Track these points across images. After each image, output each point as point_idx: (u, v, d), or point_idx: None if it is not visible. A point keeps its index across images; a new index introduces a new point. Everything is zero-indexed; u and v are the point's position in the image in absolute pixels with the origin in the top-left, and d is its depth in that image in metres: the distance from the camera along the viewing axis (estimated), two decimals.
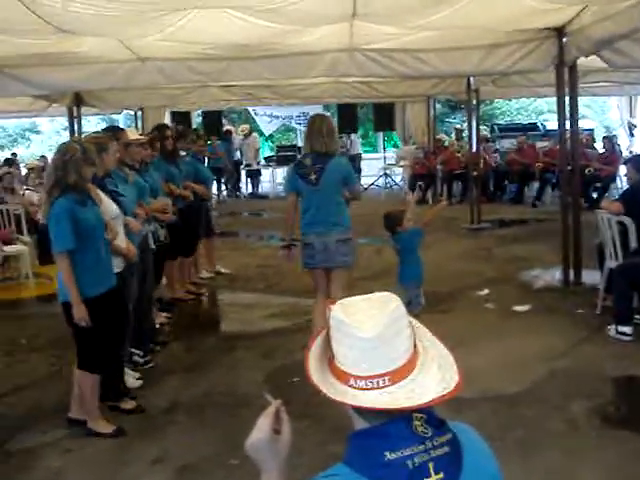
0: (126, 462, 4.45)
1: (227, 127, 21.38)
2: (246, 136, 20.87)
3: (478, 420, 4.55)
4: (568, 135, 8.32)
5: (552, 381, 5.43)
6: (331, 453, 3.67)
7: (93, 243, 4.59)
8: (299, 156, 5.90)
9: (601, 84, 13.04)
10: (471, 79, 12.35)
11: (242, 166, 21.05)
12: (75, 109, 11.52)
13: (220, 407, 5.16)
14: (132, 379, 5.58)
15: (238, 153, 21.34)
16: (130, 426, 4.92)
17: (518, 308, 7.35)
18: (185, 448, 4.58)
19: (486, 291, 8.09)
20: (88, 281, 4.52)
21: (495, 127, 23.14)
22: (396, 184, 19.70)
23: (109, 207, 5.04)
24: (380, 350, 1.46)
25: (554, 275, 8.59)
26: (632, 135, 17.85)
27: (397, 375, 1.47)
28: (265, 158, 21.73)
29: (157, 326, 6.86)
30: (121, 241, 5.14)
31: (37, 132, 34.59)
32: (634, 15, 6.01)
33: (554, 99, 8.73)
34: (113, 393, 5.16)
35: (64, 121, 15.61)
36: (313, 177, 5.74)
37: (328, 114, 6.67)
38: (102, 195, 5.01)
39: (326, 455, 3.62)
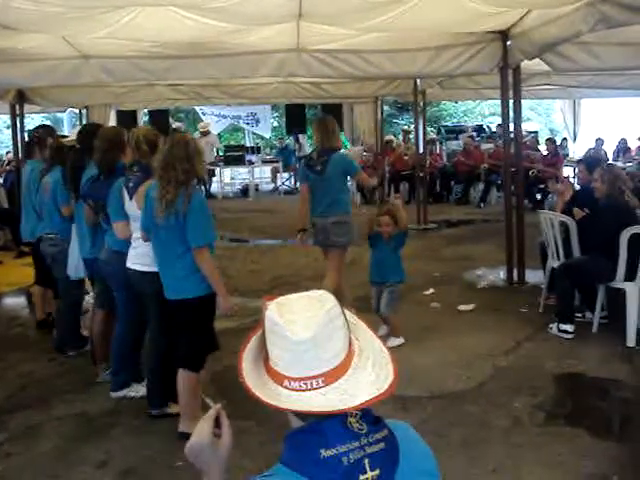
0: (69, 466, 4.36)
1: (175, 126, 20.96)
2: (204, 134, 20.22)
3: (424, 417, 4.59)
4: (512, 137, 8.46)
5: (496, 379, 5.51)
6: (275, 453, 3.67)
7: None
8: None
9: (545, 87, 13.28)
10: (418, 81, 12.44)
11: None
12: (18, 107, 11.30)
13: None
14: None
15: None
16: (73, 429, 4.85)
17: (463, 307, 7.43)
18: (129, 451, 4.51)
19: (431, 290, 8.16)
20: None
21: (442, 129, 23.42)
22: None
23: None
24: (313, 352, 1.46)
25: (498, 274, 8.73)
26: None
27: (331, 376, 1.48)
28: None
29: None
30: None
31: None
32: (576, 19, 6.12)
33: (499, 102, 8.85)
34: (159, 399, 4.98)
35: (7, 119, 15.29)
36: (319, 167, 6.59)
37: (330, 116, 7.24)
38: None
39: (270, 455, 3.61)
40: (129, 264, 4.85)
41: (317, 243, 6.84)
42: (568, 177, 15.13)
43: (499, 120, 15.06)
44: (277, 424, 4.15)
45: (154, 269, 4.60)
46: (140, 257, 4.76)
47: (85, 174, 5.53)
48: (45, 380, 5.79)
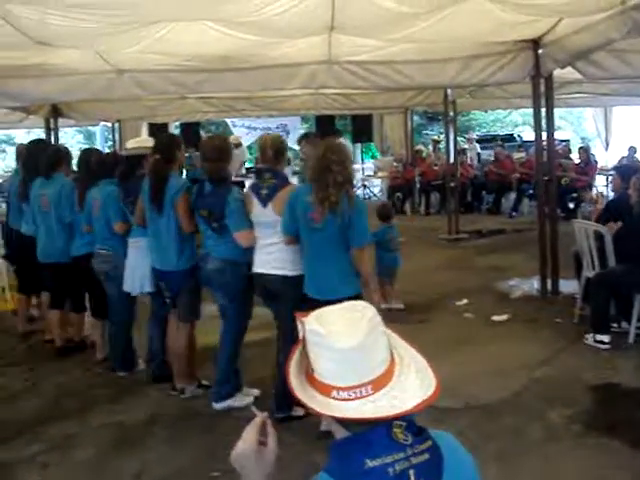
0: (105, 476, 4.40)
1: (205, 136, 20.95)
2: (236, 146, 20.03)
3: (459, 429, 4.55)
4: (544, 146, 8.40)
5: (532, 390, 5.46)
6: (311, 463, 3.67)
7: None
8: None
9: (577, 95, 13.17)
10: (448, 91, 12.42)
11: None
12: (52, 121, 11.46)
13: (199, 419, 5.12)
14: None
15: None
16: (109, 439, 4.88)
17: (497, 318, 7.38)
18: (165, 461, 4.53)
19: (465, 301, 8.11)
20: None
21: None
22: (374, 195, 19.72)
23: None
24: (360, 360, 1.47)
25: (532, 285, 8.63)
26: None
27: (378, 383, 1.48)
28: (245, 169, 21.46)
29: None
30: None
31: (13, 144, 34.16)
32: (608, 27, 6.08)
33: (530, 111, 8.79)
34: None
35: (41, 133, 15.53)
36: None
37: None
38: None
39: (308, 465, 3.62)
40: (265, 269, 4.88)
41: None
42: (599, 193, 14.95)
43: (530, 129, 14.94)
44: (313, 435, 4.18)
45: (297, 273, 4.71)
46: (280, 262, 4.80)
47: (170, 185, 5.30)
48: (80, 391, 5.83)
